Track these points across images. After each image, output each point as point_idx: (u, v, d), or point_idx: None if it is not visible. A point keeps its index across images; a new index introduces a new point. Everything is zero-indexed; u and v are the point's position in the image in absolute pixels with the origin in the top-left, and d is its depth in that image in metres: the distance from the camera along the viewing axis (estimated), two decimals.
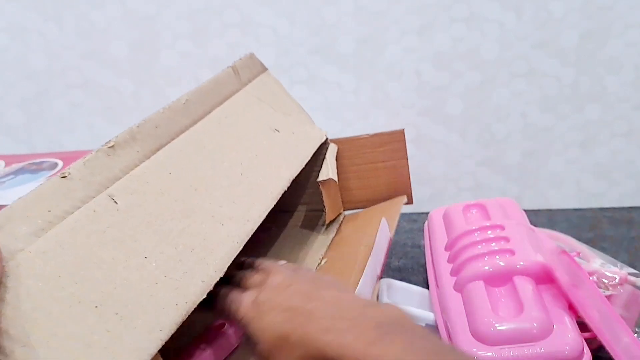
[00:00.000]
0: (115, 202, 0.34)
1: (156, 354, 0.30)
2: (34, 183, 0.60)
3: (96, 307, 0.30)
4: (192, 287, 0.34)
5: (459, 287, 0.49)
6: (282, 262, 0.40)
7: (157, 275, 0.33)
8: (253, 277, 0.38)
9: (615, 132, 0.81)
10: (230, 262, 0.38)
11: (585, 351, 0.42)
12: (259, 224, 0.42)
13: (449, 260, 0.53)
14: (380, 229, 0.50)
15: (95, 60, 0.84)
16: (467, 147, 0.84)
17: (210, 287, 0.35)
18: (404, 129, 0.60)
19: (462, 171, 0.86)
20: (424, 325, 0.51)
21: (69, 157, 0.68)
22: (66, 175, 0.33)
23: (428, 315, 0.50)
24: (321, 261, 0.52)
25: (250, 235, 0.41)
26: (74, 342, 0.28)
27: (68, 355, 0.27)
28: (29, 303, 0.28)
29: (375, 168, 0.61)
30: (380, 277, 0.49)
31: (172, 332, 0.31)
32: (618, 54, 0.77)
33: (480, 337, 0.43)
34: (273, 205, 0.45)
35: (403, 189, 0.63)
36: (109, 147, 0.37)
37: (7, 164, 0.69)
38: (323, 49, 0.81)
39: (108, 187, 0.35)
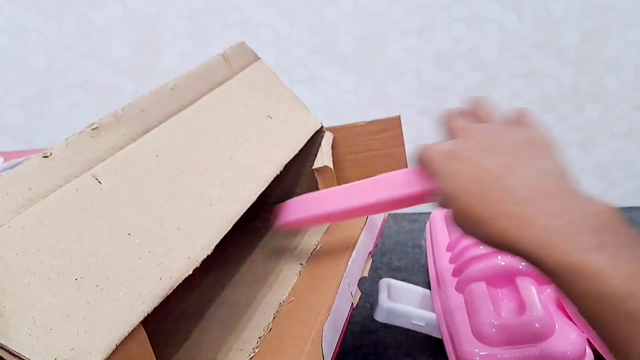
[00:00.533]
0: (99, 182, 0.34)
1: (138, 326, 0.30)
2: None
3: (76, 279, 0.29)
4: (177, 263, 0.34)
5: (461, 288, 0.49)
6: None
7: (141, 251, 0.33)
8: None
9: (615, 132, 0.81)
10: (219, 240, 0.37)
11: (587, 351, 0.42)
12: (249, 204, 0.41)
13: (451, 261, 0.53)
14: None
15: (95, 60, 0.84)
16: None
17: (197, 264, 0.35)
18: (399, 115, 0.59)
19: None
20: (424, 325, 0.50)
21: None
22: (48, 155, 0.33)
23: (429, 316, 0.50)
24: (317, 246, 0.51)
25: (240, 215, 0.40)
26: (52, 312, 0.28)
27: (45, 325, 0.27)
28: (6, 276, 0.28)
29: (373, 156, 0.60)
30: (372, 255, 0.48)
31: (155, 304, 0.31)
32: (618, 54, 0.77)
33: (482, 338, 0.43)
34: (264, 188, 0.44)
35: None
36: (93, 129, 0.36)
37: (5, 160, 0.69)
38: (323, 49, 0.81)
39: (92, 168, 0.35)
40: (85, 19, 0.81)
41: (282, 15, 0.80)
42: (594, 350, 0.42)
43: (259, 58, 0.60)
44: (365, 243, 0.45)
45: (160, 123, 0.42)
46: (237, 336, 0.42)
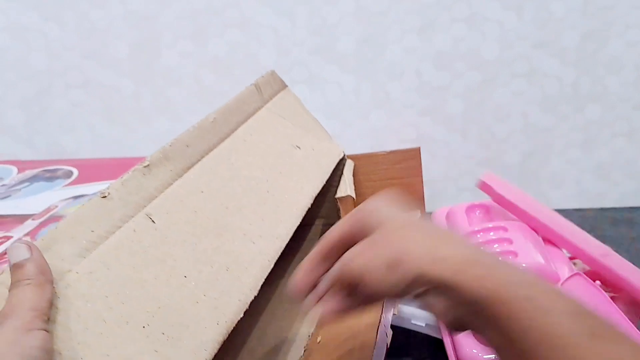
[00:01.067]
0: (152, 221, 0.36)
1: None
2: (50, 192, 0.61)
3: (143, 327, 0.30)
4: (230, 306, 0.35)
5: None
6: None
7: (197, 294, 0.34)
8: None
9: (615, 132, 0.81)
10: (263, 280, 0.39)
11: None
12: (287, 241, 0.43)
13: None
14: None
15: (95, 60, 0.84)
16: (468, 147, 0.84)
17: (246, 306, 0.36)
18: (419, 147, 0.61)
19: (462, 171, 0.86)
20: (424, 325, 0.50)
21: (83, 165, 0.68)
22: (106, 195, 0.34)
23: (430, 316, 0.50)
24: None
25: (279, 253, 0.42)
26: None
27: None
28: (79, 324, 0.28)
29: (391, 184, 0.62)
30: None
31: (216, 350, 0.32)
32: (619, 54, 0.77)
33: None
34: (299, 223, 0.46)
35: (417, 206, 0.63)
36: (145, 167, 0.37)
37: (19, 170, 0.68)
38: (323, 48, 0.81)
39: (145, 207, 0.36)
40: (85, 19, 0.81)
41: (282, 15, 0.80)
42: None
43: (286, 86, 0.62)
44: None
45: (203, 157, 0.43)
46: None
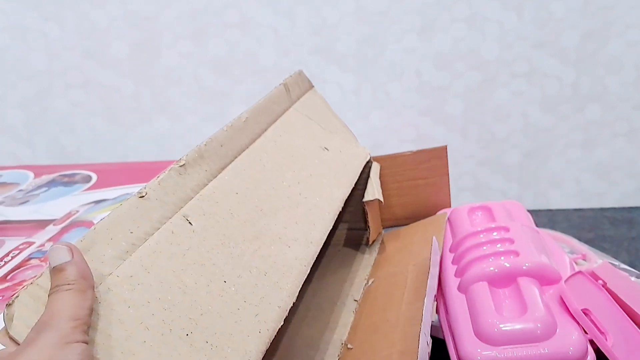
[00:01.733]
0: (190, 223, 0.35)
1: None
2: (69, 197, 0.61)
3: (187, 335, 0.30)
4: (270, 313, 0.34)
5: (463, 289, 0.49)
6: None
7: (238, 300, 0.34)
8: None
9: (616, 132, 0.81)
10: (301, 286, 0.38)
11: (589, 351, 0.42)
12: (321, 246, 0.43)
13: (454, 262, 0.53)
14: (433, 247, 0.50)
15: (95, 60, 0.84)
16: (468, 147, 0.84)
17: (286, 313, 0.35)
18: (446, 146, 0.60)
19: (463, 171, 0.86)
20: None
21: (101, 170, 0.68)
22: (143, 195, 0.33)
23: (434, 318, 0.50)
24: (368, 281, 0.52)
25: (315, 258, 0.41)
26: None
27: None
28: (121, 331, 0.28)
29: (416, 185, 0.61)
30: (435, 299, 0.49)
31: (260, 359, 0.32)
32: (619, 53, 0.77)
33: (483, 338, 0.43)
34: (331, 227, 0.45)
35: (443, 206, 0.63)
36: (180, 166, 0.37)
37: (36, 175, 0.67)
38: (323, 49, 0.81)
39: (182, 207, 0.35)
40: (85, 19, 0.81)
41: (282, 15, 0.80)
42: (596, 351, 0.42)
43: (313, 86, 0.62)
44: (433, 288, 0.46)
45: (236, 157, 0.43)
46: None
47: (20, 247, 0.51)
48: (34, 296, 0.26)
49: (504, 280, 0.48)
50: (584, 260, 0.58)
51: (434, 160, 0.61)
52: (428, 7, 0.77)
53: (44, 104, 0.86)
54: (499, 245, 0.51)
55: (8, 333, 0.25)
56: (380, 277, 0.52)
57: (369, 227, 0.58)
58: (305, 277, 0.39)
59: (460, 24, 0.78)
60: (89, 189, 0.63)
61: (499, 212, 0.58)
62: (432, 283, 0.47)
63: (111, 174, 0.66)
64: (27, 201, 0.61)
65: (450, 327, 0.47)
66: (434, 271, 0.48)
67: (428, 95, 0.82)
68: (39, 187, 0.64)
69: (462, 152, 0.85)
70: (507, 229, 0.53)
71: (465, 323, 0.45)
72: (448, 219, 0.61)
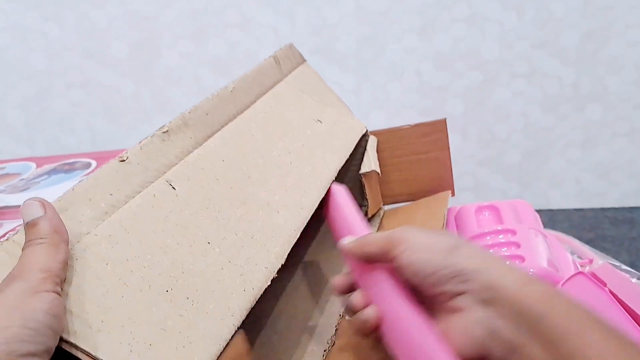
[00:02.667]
0: (173, 187, 0.34)
1: (233, 338, 0.30)
2: (69, 182, 0.60)
3: (167, 291, 0.29)
4: (256, 274, 0.34)
5: None
6: None
7: (222, 260, 0.33)
8: None
9: (616, 132, 0.81)
10: (290, 249, 0.38)
11: None
12: (312, 212, 0.42)
13: None
14: (444, 224, 0.49)
15: (95, 60, 0.84)
16: (468, 147, 0.84)
17: (274, 274, 0.35)
18: (445, 119, 0.58)
19: (463, 171, 0.86)
20: None
21: (101, 157, 0.68)
22: (124, 158, 0.33)
23: None
24: None
25: (305, 223, 0.41)
26: (149, 327, 0.28)
27: (145, 341, 0.27)
28: (98, 287, 0.27)
29: (417, 160, 0.59)
30: None
31: (243, 317, 0.31)
32: (619, 54, 0.77)
33: None
34: (324, 194, 0.44)
35: (445, 181, 0.60)
36: (164, 132, 0.36)
37: (38, 165, 0.68)
38: (324, 49, 0.81)
39: (165, 173, 0.35)
40: (85, 19, 0.81)
41: (282, 15, 0.80)
42: None
43: (305, 60, 0.60)
44: None
45: (222, 127, 0.42)
46: (302, 350, 0.41)
47: (17, 227, 0.51)
48: (9, 252, 0.26)
49: None
50: (591, 264, 0.57)
51: (434, 134, 0.58)
52: (428, 7, 0.77)
53: (44, 104, 0.86)
54: (504, 249, 0.51)
55: None
56: None
57: (367, 199, 0.56)
58: (294, 240, 0.38)
59: (460, 24, 0.78)
60: (88, 173, 0.63)
61: (506, 213, 0.58)
62: None
63: (109, 160, 0.66)
64: (28, 188, 0.61)
65: None
66: None
67: (428, 95, 0.82)
68: (40, 175, 0.65)
69: (462, 152, 0.85)
70: (513, 232, 0.53)
71: None
72: (455, 216, 0.60)
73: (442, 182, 0.62)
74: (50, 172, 0.66)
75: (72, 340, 0.25)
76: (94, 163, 0.66)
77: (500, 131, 0.83)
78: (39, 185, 0.62)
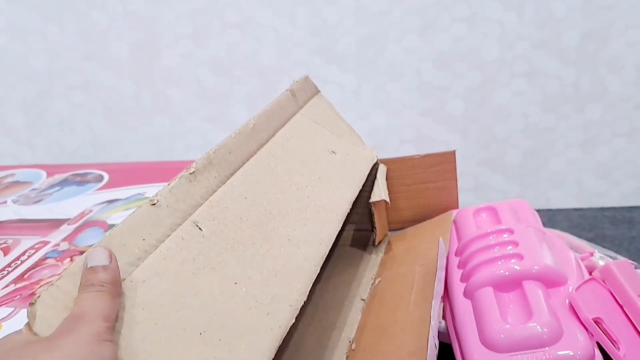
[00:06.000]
0: (200, 228, 0.36)
1: None
2: (82, 196, 0.62)
3: (200, 334, 0.31)
4: (281, 312, 0.35)
5: (468, 294, 0.49)
6: None
7: (249, 300, 0.35)
8: None
9: (616, 132, 0.81)
10: (311, 285, 0.39)
11: (596, 354, 0.41)
12: (330, 246, 0.43)
13: (459, 266, 0.53)
14: (439, 250, 0.50)
15: (95, 61, 0.84)
16: (468, 147, 0.84)
17: (297, 311, 0.36)
18: (454, 150, 0.61)
19: (463, 171, 0.86)
20: None
21: (112, 170, 0.69)
22: (155, 202, 0.34)
23: (440, 324, 0.50)
24: (375, 281, 0.53)
25: (324, 258, 0.42)
26: None
27: None
28: (138, 332, 0.29)
29: (425, 188, 0.62)
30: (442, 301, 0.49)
31: (272, 356, 0.33)
32: (619, 53, 0.77)
33: (489, 345, 0.43)
34: (340, 228, 0.46)
35: (451, 209, 0.63)
36: (190, 174, 0.38)
37: (49, 174, 0.69)
38: (324, 49, 0.81)
39: (191, 214, 0.36)
40: (85, 20, 0.81)
41: (282, 15, 0.80)
42: (603, 353, 0.42)
43: (319, 91, 0.63)
44: (439, 291, 0.47)
45: (244, 163, 0.44)
46: None
47: (36, 246, 0.52)
48: (54, 297, 0.28)
49: (509, 284, 0.48)
50: (592, 257, 0.57)
51: (443, 164, 0.61)
52: (428, 7, 0.77)
53: (44, 105, 0.86)
54: (504, 249, 0.51)
55: (32, 329, 0.26)
56: (387, 277, 0.53)
57: (375, 227, 0.58)
58: (315, 276, 0.40)
59: (461, 24, 0.78)
60: (101, 188, 0.64)
61: (504, 213, 0.58)
62: (439, 287, 0.47)
63: (122, 174, 0.67)
64: (41, 200, 0.62)
65: (456, 333, 0.47)
66: (441, 275, 0.49)
67: (428, 95, 0.82)
68: (52, 186, 0.66)
69: (462, 153, 0.85)
70: (511, 231, 0.53)
71: (471, 330, 0.45)
72: (454, 220, 0.61)
73: (448, 210, 0.64)
74: (62, 183, 0.66)
75: None
76: (106, 176, 0.67)
77: (500, 131, 0.83)
78: (51, 197, 0.63)
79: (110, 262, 0.29)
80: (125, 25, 0.81)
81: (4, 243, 0.53)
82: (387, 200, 0.57)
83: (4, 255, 0.51)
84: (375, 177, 0.59)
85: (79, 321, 0.26)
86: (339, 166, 0.53)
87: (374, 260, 0.57)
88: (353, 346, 0.45)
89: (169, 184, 0.36)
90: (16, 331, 0.27)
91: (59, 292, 0.28)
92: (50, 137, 0.88)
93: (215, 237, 0.36)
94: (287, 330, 0.35)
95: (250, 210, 0.40)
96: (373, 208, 0.57)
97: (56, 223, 0.56)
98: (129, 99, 0.85)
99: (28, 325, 0.27)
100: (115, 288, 0.29)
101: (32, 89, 0.85)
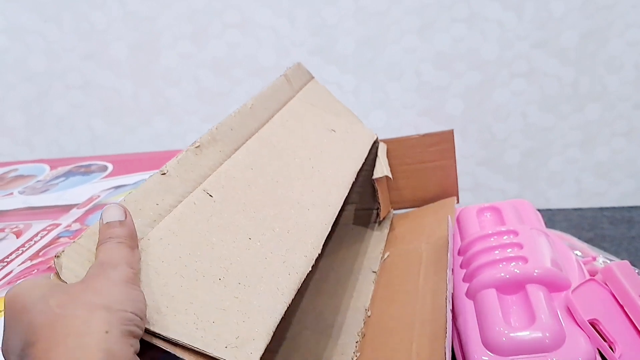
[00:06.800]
0: (210, 195, 0.38)
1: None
2: (89, 184, 0.63)
3: (220, 279, 0.33)
4: (297, 261, 0.37)
5: (471, 295, 0.49)
6: None
7: (264, 252, 0.36)
8: None
9: (615, 132, 0.81)
10: (324, 240, 0.41)
11: None
12: (339, 209, 0.45)
13: (462, 266, 0.53)
14: (449, 228, 0.52)
15: (95, 61, 0.84)
16: (467, 147, 0.84)
17: (313, 261, 0.38)
18: (452, 130, 0.61)
19: (462, 171, 0.85)
20: None
21: (115, 160, 0.69)
22: (165, 172, 0.36)
23: None
24: (384, 255, 0.55)
25: (334, 218, 0.44)
26: (209, 308, 0.31)
27: (208, 319, 0.30)
28: (160, 280, 0.30)
29: (424, 168, 0.63)
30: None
31: (292, 296, 0.34)
32: (618, 53, 0.77)
33: (491, 347, 0.43)
34: (347, 192, 0.48)
35: (450, 188, 0.64)
36: (196, 147, 0.40)
37: (52, 168, 0.69)
38: (323, 49, 0.81)
39: (201, 183, 0.38)
40: (85, 20, 0.81)
41: (282, 16, 0.80)
42: (603, 355, 0.42)
43: (313, 77, 0.64)
44: (451, 264, 0.49)
45: (247, 140, 0.46)
46: (334, 342, 0.45)
47: (48, 228, 0.53)
48: (78, 252, 0.29)
49: (513, 287, 0.47)
50: (595, 261, 0.57)
51: (442, 144, 0.62)
52: (428, 7, 0.77)
53: (44, 105, 0.86)
54: (508, 251, 0.51)
55: (60, 277, 0.28)
56: (394, 253, 0.54)
57: (379, 203, 0.60)
58: (327, 234, 0.42)
59: (460, 24, 0.78)
60: (107, 176, 0.65)
61: (508, 214, 0.58)
62: (450, 260, 0.49)
63: (126, 163, 0.68)
64: (47, 190, 0.63)
65: (458, 333, 0.47)
66: (451, 246, 0.51)
67: (428, 95, 0.82)
68: (57, 177, 0.67)
69: (461, 152, 0.84)
70: (516, 233, 0.53)
71: (473, 331, 0.45)
72: (457, 218, 0.61)
73: (447, 189, 0.65)
74: (66, 174, 0.67)
75: (146, 326, 0.28)
76: (110, 166, 0.68)
77: (499, 131, 0.83)
78: (57, 187, 0.64)
79: (126, 217, 0.31)
80: (125, 25, 0.81)
81: (15, 228, 0.54)
82: (390, 175, 0.58)
83: (17, 238, 0.52)
84: (376, 156, 0.60)
85: (107, 267, 0.27)
86: (340, 142, 0.55)
87: (379, 236, 0.59)
88: (369, 313, 0.47)
89: (176, 157, 0.38)
90: (40, 277, 0.28)
91: (81, 249, 0.29)
92: (49, 137, 0.88)
93: (226, 202, 0.38)
94: (304, 276, 0.36)
95: (257, 179, 0.42)
96: (376, 184, 0.58)
97: (65, 208, 0.57)
98: (128, 99, 0.85)
99: (57, 274, 0.28)
100: (133, 241, 0.30)
101: (31, 89, 0.85)
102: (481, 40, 0.78)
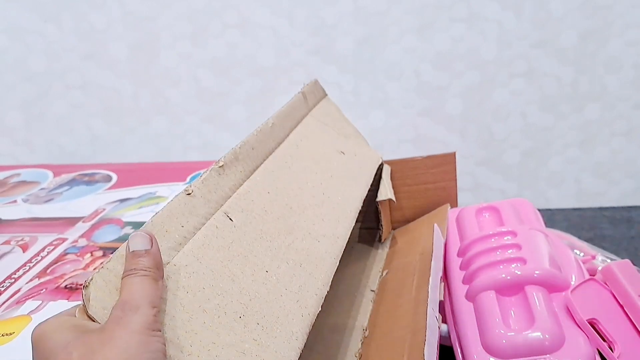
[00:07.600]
0: (230, 219, 0.39)
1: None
2: (93, 195, 0.64)
3: (240, 317, 0.33)
4: (309, 300, 0.38)
5: (470, 297, 0.48)
6: None
7: (280, 288, 0.37)
8: None
9: (615, 132, 0.81)
10: (332, 276, 0.42)
11: None
12: (346, 240, 0.46)
13: (461, 268, 0.53)
14: (435, 236, 0.53)
15: (94, 61, 0.84)
16: (467, 147, 0.84)
17: (322, 300, 0.39)
18: (455, 152, 0.63)
19: (462, 171, 0.86)
20: None
21: (119, 170, 0.70)
22: (190, 192, 0.37)
23: (442, 327, 0.50)
24: (382, 273, 0.56)
25: (342, 252, 0.45)
26: (230, 350, 0.31)
27: None
28: (183, 314, 0.30)
29: (426, 189, 0.65)
30: (443, 280, 0.52)
31: (304, 340, 0.35)
32: (618, 53, 0.77)
33: (491, 350, 0.43)
34: (353, 224, 0.49)
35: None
36: (220, 167, 0.41)
37: (55, 174, 0.69)
38: (323, 49, 0.81)
39: (222, 205, 0.39)
40: (84, 20, 0.81)
41: (281, 16, 0.80)
42: (603, 355, 0.42)
43: (327, 94, 0.66)
44: (437, 271, 0.50)
45: (264, 160, 0.47)
46: None
47: (54, 242, 0.53)
48: (106, 279, 0.29)
49: (512, 288, 0.47)
50: (594, 260, 0.57)
51: (443, 166, 0.64)
52: (427, 7, 0.77)
53: (43, 106, 0.86)
54: (506, 252, 0.51)
55: (87, 312, 0.28)
56: (392, 268, 0.56)
57: (381, 225, 0.62)
58: (335, 268, 0.43)
59: (460, 24, 0.78)
60: (110, 188, 0.65)
61: (507, 214, 0.58)
62: (435, 267, 0.49)
63: (129, 174, 0.68)
64: (52, 199, 0.63)
65: (458, 335, 0.47)
66: (438, 253, 0.51)
67: (427, 95, 0.82)
68: (61, 185, 0.67)
69: (461, 152, 0.85)
70: (514, 234, 0.53)
71: (473, 333, 0.45)
72: (456, 219, 0.61)
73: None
74: (70, 183, 0.67)
75: None
76: (114, 176, 0.68)
77: (499, 131, 0.83)
78: (62, 196, 0.64)
79: (152, 246, 0.30)
80: (124, 25, 0.81)
81: (21, 240, 0.54)
82: (393, 199, 0.60)
83: (23, 252, 0.52)
84: (381, 177, 0.62)
85: (129, 309, 0.27)
86: (348, 165, 0.56)
87: (380, 255, 0.61)
88: (366, 333, 0.47)
89: (201, 176, 0.39)
90: (65, 313, 0.28)
91: (110, 275, 0.29)
92: (49, 137, 0.88)
93: (245, 227, 0.39)
94: (315, 316, 0.37)
95: (273, 204, 0.43)
96: (379, 207, 0.60)
97: (71, 221, 0.57)
98: (127, 99, 0.85)
99: (83, 308, 0.28)
100: (158, 272, 0.30)
101: (31, 89, 0.85)
102: (481, 40, 0.78)
